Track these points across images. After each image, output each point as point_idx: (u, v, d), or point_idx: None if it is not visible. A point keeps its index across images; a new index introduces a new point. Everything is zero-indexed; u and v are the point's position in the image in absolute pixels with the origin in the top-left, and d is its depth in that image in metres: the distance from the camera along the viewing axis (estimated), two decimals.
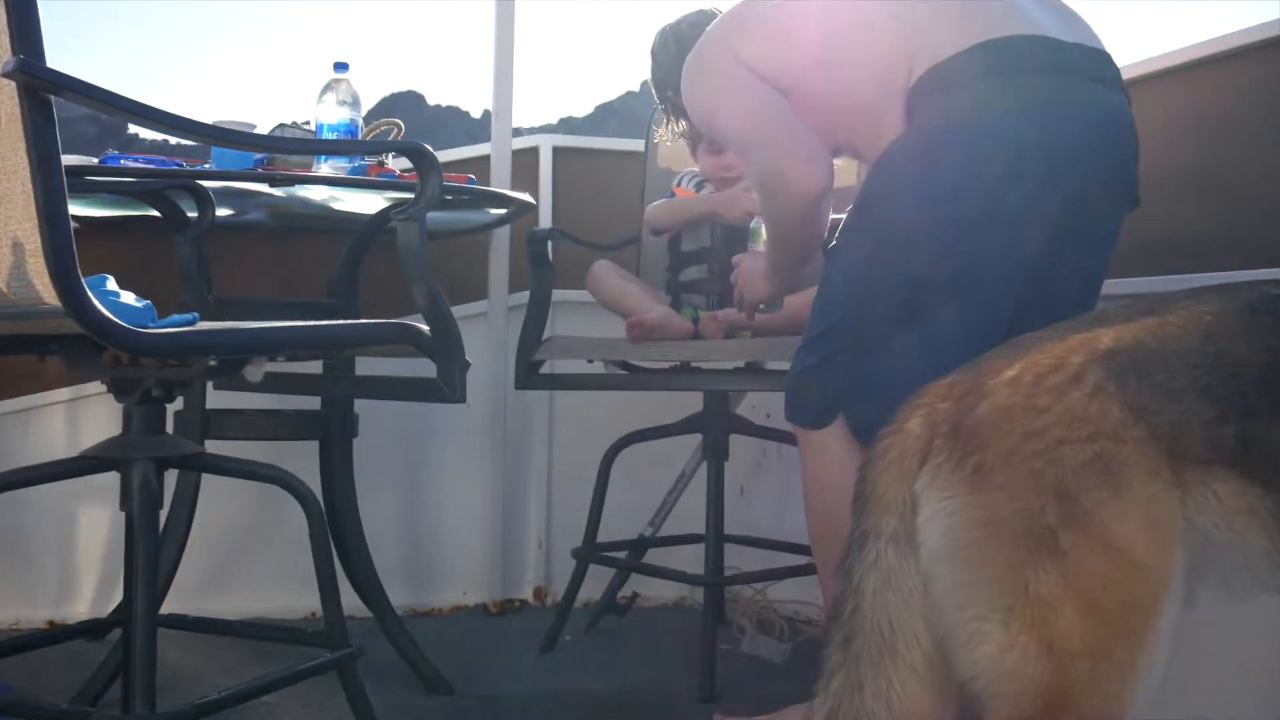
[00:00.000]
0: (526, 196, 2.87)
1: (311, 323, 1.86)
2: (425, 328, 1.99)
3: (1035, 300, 1.82)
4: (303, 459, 2.65)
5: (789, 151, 1.96)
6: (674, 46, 2.56)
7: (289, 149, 2.36)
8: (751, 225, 2.47)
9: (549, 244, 3.02)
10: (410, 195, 2.05)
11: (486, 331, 3.42)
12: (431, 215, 2.04)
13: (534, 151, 3.65)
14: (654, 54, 2.65)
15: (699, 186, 2.99)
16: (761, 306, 2.39)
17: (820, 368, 1.93)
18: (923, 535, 1.36)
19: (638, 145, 3.41)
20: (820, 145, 1.98)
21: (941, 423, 1.38)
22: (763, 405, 3.22)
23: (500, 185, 3.37)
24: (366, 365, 2.86)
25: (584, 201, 3.63)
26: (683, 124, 2.61)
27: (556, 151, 3.68)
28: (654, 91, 2.62)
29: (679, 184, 3.03)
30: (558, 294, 3.05)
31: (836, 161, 2.08)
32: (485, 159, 3.42)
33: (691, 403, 3.00)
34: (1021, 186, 1.78)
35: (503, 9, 3.35)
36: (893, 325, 1.82)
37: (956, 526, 1.33)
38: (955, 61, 1.84)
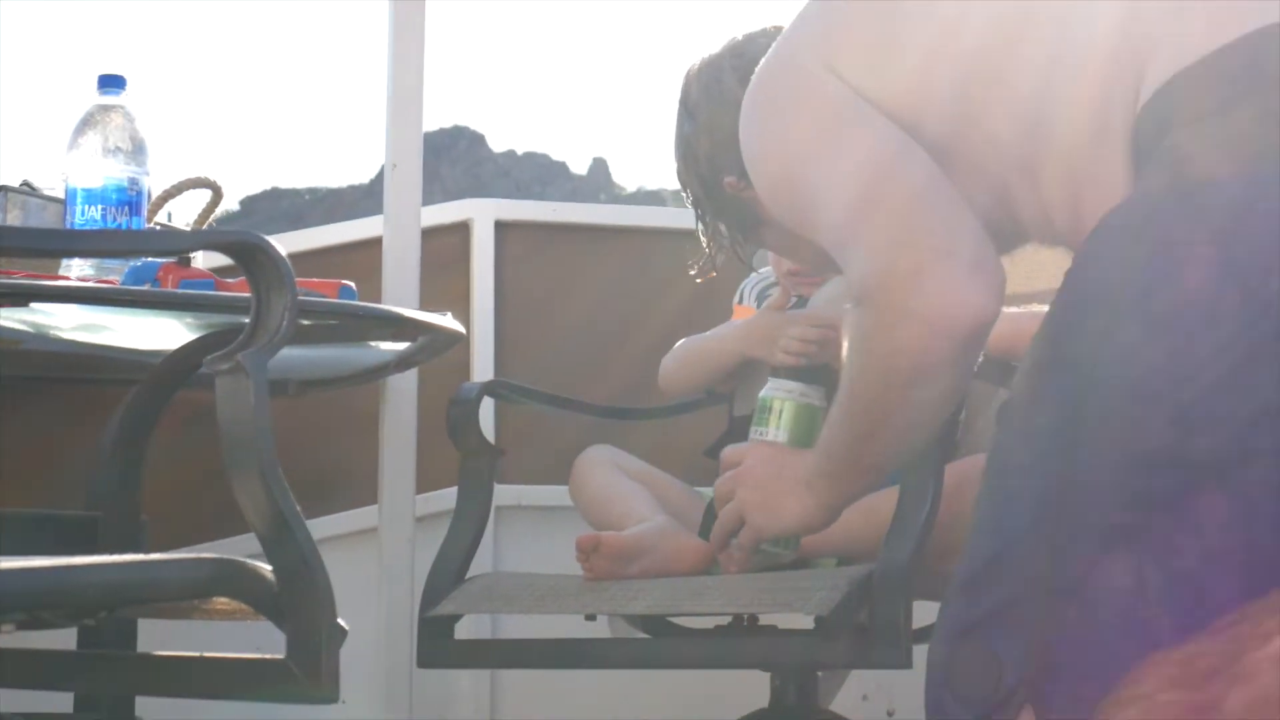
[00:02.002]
0: (448, 320, 2.34)
1: (51, 561, 1.54)
2: (262, 566, 1.62)
3: None
4: None
5: (931, 238, 1.62)
6: (732, 83, 2.14)
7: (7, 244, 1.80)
8: (761, 395, 2.09)
9: (490, 406, 2.79)
10: (240, 319, 1.77)
11: (376, 564, 2.75)
12: (281, 354, 1.68)
13: (463, 229, 3.06)
14: (693, 102, 2.21)
15: (763, 297, 2.61)
16: (763, 546, 1.99)
17: (989, 627, 1.52)
18: None
19: (681, 219, 2.75)
20: (983, 232, 1.63)
21: None
22: (880, 693, 2.83)
23: (401, 298, 2.72)
24: (158, 633, 2.27)
25: (564, 325, 3.06)
26: (728, 231, 2.24)
27: (504, 230, 3.08)
28: (688, 178, 2.22)
29: (740, 299, 2.59)
30: (507, 494, 2.77)
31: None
32: (374, 245, 2.78)
33: (750, 689, 2.45)
34: None
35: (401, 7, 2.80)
36: (1124, 545, 1.45)
37: None
38: (1213, 65, 1.52)
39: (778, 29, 2.15)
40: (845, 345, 1.79)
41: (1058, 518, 1.50)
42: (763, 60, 1.79)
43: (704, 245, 2.33)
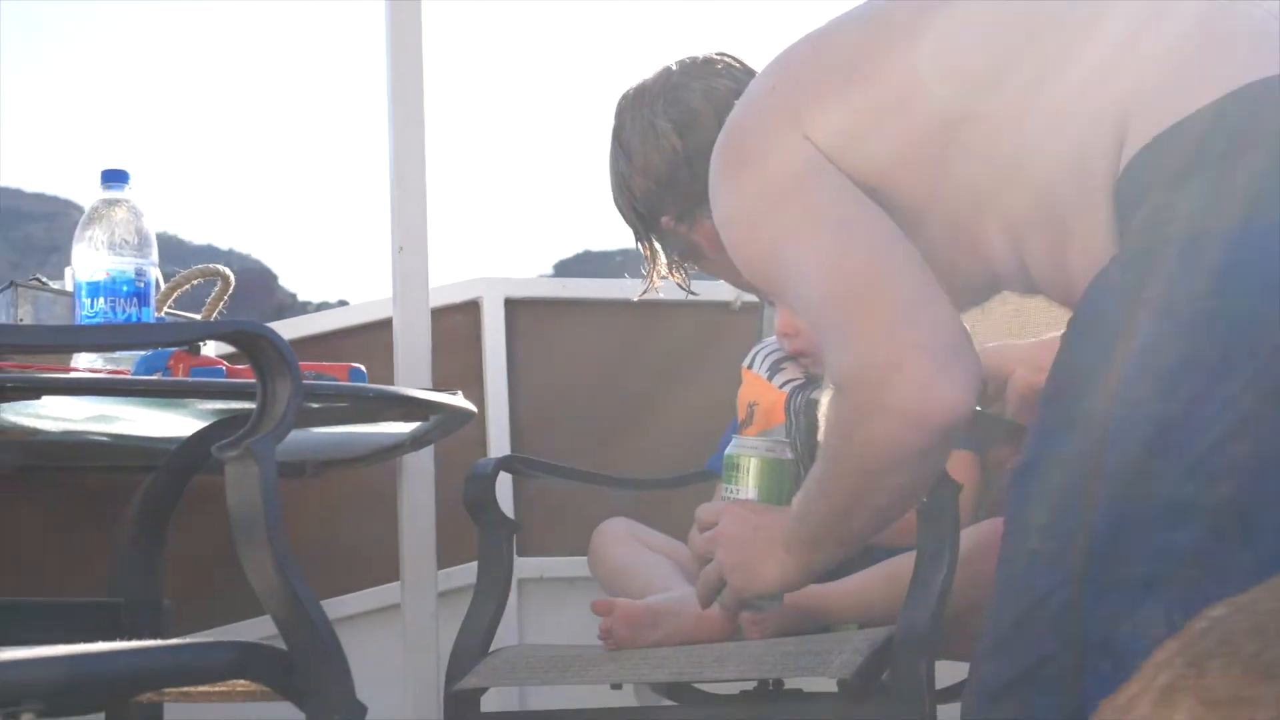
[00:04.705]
0: (458, 399, 2.31)
1: (74, 649, 1.50)
2: (280, 648, 1.61)
3: None
4: None
5: (908, 333, 1.59)
6: (667, 128, 2.04)
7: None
8: (727, 453, 2.01)
9: (508, 480, 2.74)
10: (247, 405, 1.70)
11: (400, 640, 2.68)
12: (291, 437, 1.67)
13: (472, 308, 3.02)
14: (625, 139, 2.06)
15: (775, 369, 2.49)
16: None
17: (1024, 686, 1.53)
18: None
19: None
20: (961, 325, 1.60)
21: None
22: None
23: (413, 377, 2.70)
24: (184, 715, 2.32)
25: (578, 398, 3.00)
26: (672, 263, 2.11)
27: (514, 307, 3.03)
28: (624, 209, 2.09)
29: (749, 365, 2.48)
30: (528, 566, 2.76)
31: None
32: (384, 326, 2.74)
33: None
34: None
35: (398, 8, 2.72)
36: (1153, 596, 1.44)
37: None
38: (1196, 125, 1.50)
39: (710, 63, 2.10)
40: (823, 425, 1.77)
41: (1083, 575, 1.50)
42: (732, 115, 1.72)
43: (645, 265, 2.19)
